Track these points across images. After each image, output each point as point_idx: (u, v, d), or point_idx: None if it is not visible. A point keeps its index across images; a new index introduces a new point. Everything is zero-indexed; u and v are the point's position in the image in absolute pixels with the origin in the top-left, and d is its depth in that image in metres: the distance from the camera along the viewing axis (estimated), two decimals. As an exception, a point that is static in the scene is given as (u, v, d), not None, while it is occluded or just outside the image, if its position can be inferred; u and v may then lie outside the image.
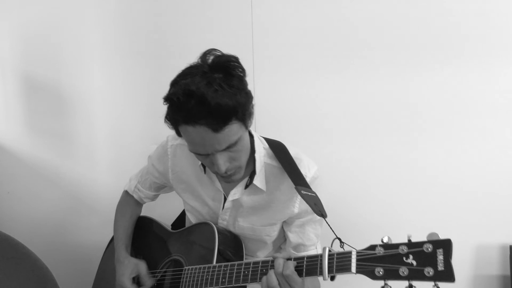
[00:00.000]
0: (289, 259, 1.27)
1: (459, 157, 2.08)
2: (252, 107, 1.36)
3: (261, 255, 1.69)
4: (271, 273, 1.25)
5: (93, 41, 2.27)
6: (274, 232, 1.61)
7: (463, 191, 2.10)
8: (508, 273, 2.08)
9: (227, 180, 1.45)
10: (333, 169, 2.15)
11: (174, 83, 1.30)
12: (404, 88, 2.09)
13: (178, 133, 1.35)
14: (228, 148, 1.31)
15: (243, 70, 1.32)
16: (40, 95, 2.30)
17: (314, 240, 1.60)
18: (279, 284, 1.24)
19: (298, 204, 1.52)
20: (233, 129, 1.28)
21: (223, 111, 1.23)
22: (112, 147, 2.32)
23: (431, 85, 2.07)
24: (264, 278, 1.28)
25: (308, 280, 1.30)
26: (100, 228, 2.31)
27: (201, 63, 1.30)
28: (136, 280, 1.67)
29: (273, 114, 2.18)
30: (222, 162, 1.33)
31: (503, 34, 2.02)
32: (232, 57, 1.31)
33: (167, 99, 1.29)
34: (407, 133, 2.11)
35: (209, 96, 1.21)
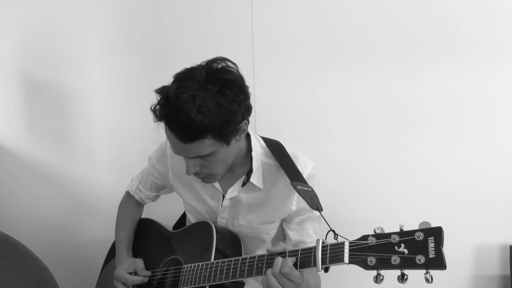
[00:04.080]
0: (283, 252, 1.28)
1: (459, 156, 2.08)
2: (245, 124, 1.36)
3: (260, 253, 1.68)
4: (269, 273, 1.26)
5: (93, 41, 2.27)
6: (272, 230, 1.61)
7: (463, 191, 2.10)
8: (508, 273, 2.07)
9: (202, 180, 1.49)
10: (332, 164, 2.14)
11: (174, 80, 1.30)
12: (404, 88, 2.09)
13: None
14: (199, 157, 1.33)
15: (241, 91, 1.31)
16: (40, 95, 2.31)
17: (313, 237, 1.59)
18: (279, 283, 1.24)
19: (296, 202, 1.53)
20: (204, 144, 1.29)
21: (192, 128, 1.24)
22: (112, 147, 2.33)
23: (431, 85, 2.07)
24: (264, 278, 1.28)
25: (309, 273, 1.31)
26: (100, 228, 2.31)
27: (201, 69, 1.29)
28: (134, 275, 1.68)
29: (273, 113, 2.18)
30: (191, 166, 1.37)
31: (507, 35, 2.02)
32: (235, 76, 1.31)
33: (158, 92, 1.29)
34: (407, 132, 2.11)
35: (185, 109, 1.22)
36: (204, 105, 1.23)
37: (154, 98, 1.30)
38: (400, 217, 2.09)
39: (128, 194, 1.86)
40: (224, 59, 1.32)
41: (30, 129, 2.33)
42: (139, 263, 1.69)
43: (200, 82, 1.26)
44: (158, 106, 1.29)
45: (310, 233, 1.59)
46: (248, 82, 2.15)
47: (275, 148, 1.54)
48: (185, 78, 1.28)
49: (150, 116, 1.31)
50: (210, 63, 1.31)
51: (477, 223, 2.09)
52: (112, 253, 1.87)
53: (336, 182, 2.15)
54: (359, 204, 2.17)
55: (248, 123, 1.39)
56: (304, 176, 1.48)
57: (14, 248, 1.82)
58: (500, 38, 2.02)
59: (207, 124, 1.24)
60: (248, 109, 1.35)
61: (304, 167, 1.51)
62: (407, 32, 2.07)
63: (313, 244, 1.58)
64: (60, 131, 2.33)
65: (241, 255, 1.59)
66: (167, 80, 1.31)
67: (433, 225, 1.08)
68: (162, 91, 1.28)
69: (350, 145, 2.15)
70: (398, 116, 2.11)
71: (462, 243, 2.10)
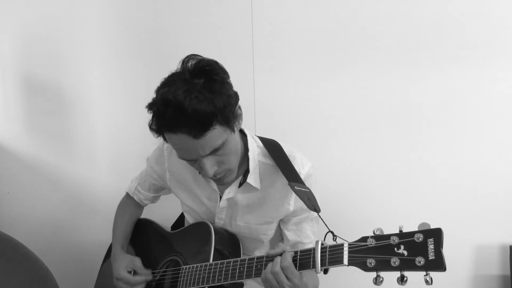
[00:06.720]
0: (282, 253, 1.28)
1: (459, 156, 2.08)
2: (239, 108, 1.37)
3: (259, 254, 1.68)
4: (267, 270, 1.26)
5: (93, 41, 2.27)
6: (270, 231, 1.61)
7: (463, 191, 2.09)
8: (508, 273, 2.07)
9: (219, 183, 1.47)
10: (331, 164, 2.15)
11: (157, 92, 1.31)
12: (405, 88, 2.09)
13: (165, 139, 1.36)
14: (214, 152, 1.32)
15: (225, 73, 1.33)
16: (40, 95, 2.30)
17: (311, 238, 1.60)
18: (276, 281, 1.24)
19: (293, 202, 1.53)
20: (215, 134, 1.28)
21: (201, 118, 1.24)
22: (112, 147, 2.33)
23: (432, 85, 2.07)
24: (262, 276, 1.29)
25: (308, 275, 1.31)
26: (100, 228, 2.30)
27: (181, 70, 1.31)
28: (132, 274, 1.68)
29: (273, 114, 2.18)
30: (209, 166, 1.34)
31: (506, 35, 2.02)
32: (212, 61, 1.32)
33: (149, 108, 1.30)
34: (407, 132, 2.11)
35: (186, 103, 1.22)
36: (201, 95, 1.24)
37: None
38: (399, 217, 2.10)
39: (127, 195, 1.86)
40: (192, 55, 1.33)
41: (30, 129, 2.33)
42: (137, 262, 1.68)
43: (186, 80, 1.27)
44: (154, 119, 1.30)
45: (308, 233, 1.59)
46: (248, 82, 2.16)
47: (272, 148, 1.54)
48: (170, 83, 1.29)
49: (150, 116, 1.32)
50: (185, 63, 1.32)
51: (477, 223, 2.09)
52: (110, 251, 1.86)
53: (336, 181, 2.15)
54: (358, 203, 2.17)
55: (241, 109, 1.39)
56: (302, 176, 1.48)
57: (14, 248, 1.82)
58: (501, 38, 2.02)
59: (213, 110, 1.25)
60: (235, 92, 1.36)
61: (301, 167, 1.51)
62: (408, 32, 2.07)
63: (312, 245, 1.60)
64: (60, 131, 2.32)
65: (239, 256, 1.60)
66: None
67: (432, 226, 1.08)
68: (155, 103, 1.29)
69: (350, 145, 2.15)
70: (398, 116, 2.11)
71: (462, 243, 2.10)
